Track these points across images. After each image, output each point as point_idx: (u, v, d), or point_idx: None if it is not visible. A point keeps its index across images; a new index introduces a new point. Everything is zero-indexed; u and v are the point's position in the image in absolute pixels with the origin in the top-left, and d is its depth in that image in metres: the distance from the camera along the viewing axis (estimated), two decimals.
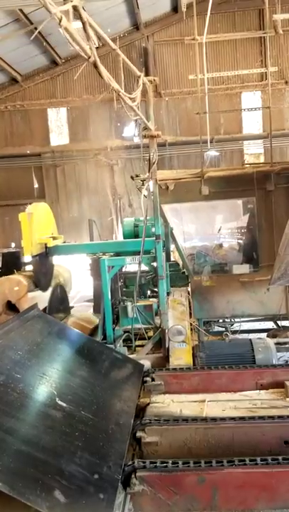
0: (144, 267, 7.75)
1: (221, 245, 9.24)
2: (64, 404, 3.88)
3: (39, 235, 6.72)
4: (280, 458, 3.63)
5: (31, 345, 4.57)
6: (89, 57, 3.10)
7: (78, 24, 11.89)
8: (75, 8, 2.86)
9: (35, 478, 2.95)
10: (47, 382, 4.11)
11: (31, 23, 14.66)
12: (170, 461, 3.63)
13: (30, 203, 7.06)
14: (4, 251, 11.07)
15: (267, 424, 4.19)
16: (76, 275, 9.55)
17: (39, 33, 15.37)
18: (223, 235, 9.61)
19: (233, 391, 5.12)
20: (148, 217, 6.66)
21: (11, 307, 6.17)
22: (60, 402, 3.88)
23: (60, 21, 2.69)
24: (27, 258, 7.21)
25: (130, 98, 4.45)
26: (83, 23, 3.07)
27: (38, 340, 4.77)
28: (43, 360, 4.48)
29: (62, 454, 3.29)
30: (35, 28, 15.05)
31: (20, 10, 13.74)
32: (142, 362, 5.71)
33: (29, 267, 7.25)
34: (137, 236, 7.79)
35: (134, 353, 6.77)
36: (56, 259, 7.72)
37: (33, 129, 18.29)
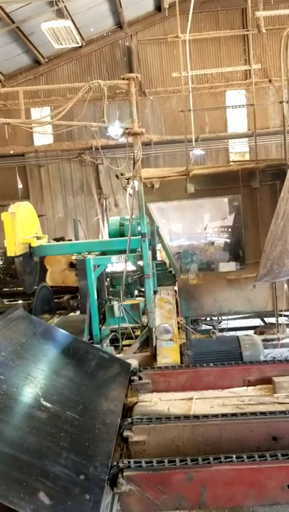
0: (131, 267, 7.71)
1: (207, 244, 9.24)
2: (49, 405, 3.82)
3: (23, 234, 6.64)
4: (268, 454, 3.61)
5: (15, 346, 4.49)
6: None
7: (62, 23, 11.88)
8: None
9: (19, 480, 2.88)
10: (31, 383, 4.04)
11: (13, 22, 14.53)
12: (157, 460, 3.59)
13: (13, 203, 6.97)
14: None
15: (255, 420, 4.16)
16: None
17: (21, 32, 15.26)
18: (210, 234, 9.62)
19: (220, 388, 5.09)
20: (134, 216, 6.63)
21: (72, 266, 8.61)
22: (45, 403, 3.81)
23: None
24: None
25: None
26: None
27: (22, 341, 4.69)
28: (28, 360, 4.41)
29: (47, 455, 3.23)
30: (18, 27, 14.95)
31: (1, 8, 13.60)
32: (129, 361, 5.65)
33: None
34: (122, 235, 7.74)
35: (122, 352, 6.72)
36: None
37: (17, 129, 18.10)
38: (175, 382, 5.23)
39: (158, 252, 9.07)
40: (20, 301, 8.04)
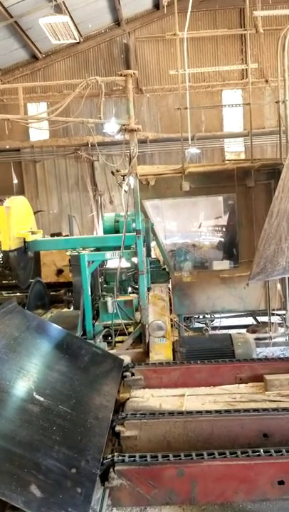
0: (125, 264, 7.71)
1: (202, 243, 9.26)
2: (42, 399, 3.82)
3: (17, 229, 6.62)
4: (259, 450, 3.64)
5: (8, 340, 4.48)
6: None
7: (60, 18, 11.86)
8: None
9: (11, 472, 2.88)
10: (24, 377, 4.03)
11: (11, 17, 14.46)
12: (149, 455, 3.60)
13: (8, 197, 6.95)
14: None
15: (246, 417, 4.18)
16: None
17: (19, 26, 15.19)
18: (204, 232, 9.63)
19: (212, 385, 5.11)
20: (129, 213, 6.63)
21: None
22: (37, 397, 3.81)
23: None
24: None
25: None
26: None
27: (15, 335, 4.68)
28: (21, 354, 4.40)
29: (39, 448, 3.23)
30: (15, 22, 14.88)
31: (0, 3, 13.54)
32: (121, 357, 5.66)
33: None
34: (117, 231, 7.75)
35: (114, 348, 6.73)
36: None
37: (13, 124, 18.01)
38: (167, 379, 5.25)
39: (152, 249, 9.08)
40: (18, 294, 8.06)
